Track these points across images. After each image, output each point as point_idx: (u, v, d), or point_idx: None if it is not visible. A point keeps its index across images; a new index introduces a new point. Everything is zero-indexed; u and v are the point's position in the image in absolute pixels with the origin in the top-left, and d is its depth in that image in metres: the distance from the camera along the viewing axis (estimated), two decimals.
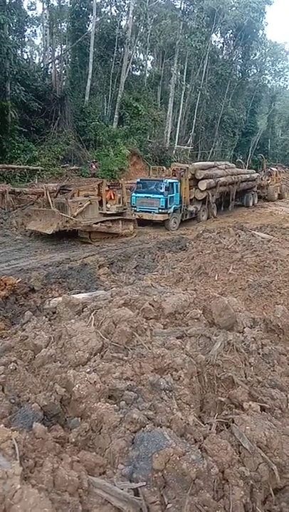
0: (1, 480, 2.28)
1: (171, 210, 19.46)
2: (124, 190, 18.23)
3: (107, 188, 17.14)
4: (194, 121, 45.62)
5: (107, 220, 16.47)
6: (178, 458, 2.78)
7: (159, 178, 20.64)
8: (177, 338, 4.62)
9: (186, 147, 42.57)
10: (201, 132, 47.64)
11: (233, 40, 49.46)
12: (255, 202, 30.05)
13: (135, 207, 19.55)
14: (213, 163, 25.78)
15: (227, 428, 3.55)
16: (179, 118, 43.83)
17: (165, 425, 3.21)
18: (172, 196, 19.44)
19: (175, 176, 21.00)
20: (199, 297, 6.40)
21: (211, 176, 22.39)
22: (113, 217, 16.81)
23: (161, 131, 42.51)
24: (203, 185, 21.55)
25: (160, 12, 45.76)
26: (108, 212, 16.74)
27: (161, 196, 18.81)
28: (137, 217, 19.09)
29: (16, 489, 2.26)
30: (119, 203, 17.62)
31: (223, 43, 52.11)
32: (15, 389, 3.62)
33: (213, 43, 49.10)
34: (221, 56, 50.40)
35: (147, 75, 47.03)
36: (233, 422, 3.55)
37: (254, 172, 30.47)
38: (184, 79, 44.05)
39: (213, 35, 47.14)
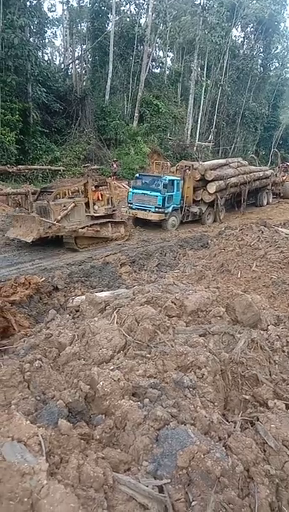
0: (28, 475, 2.33)
1: (170, 209, 17.99)
2: (112, 190, 16.81)
3: (94, 188, 15.50)
4: (215, 117, 45.25)
5: (95, 224, 14.93)
6: (202, 455, 2.77)
7: (158, 174, 19.01)
8: (200, 335, 4.61)
9: (207, 143, 42.22)
10: (222, 128, 47.23)
11: (254, 34, 48.83)
12: (270, 201, 28.10)
13: (131, 203, 18.16)
14: (224, 160, 24.06)
15: (252, 426, 3.52)
16: (200, 114, 43.58)
17: (189, 423, 3.21)
18: (172, 195, 17.91)
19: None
20: (222, 295, 6.35)
21: (221, 176, 20.73)
22: (102, 220, 15.31)
23: (182, 128, 42.35)
24: (212, 187, 19.99)
25: (179, 8, 45.53)
26: (96, 215, 15.14)
27: (159, 194, 17.30)
28: (132, 215, 18.09)
29: (43, 485, 2.30)
30: (108, 204, 16.12)
31: (243, 38, 51.61)
32: (40, 386, 3.68)
33: (234, 38, 48.65)
34: (241, 51, 49.86)
35: (167, 72, 46.91)
36: (257, 420, 3.52)
37: (268, 169, 28.39)
38: (205, 75, 43.77)
39: (234, 29, 46.72)
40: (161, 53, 48.86)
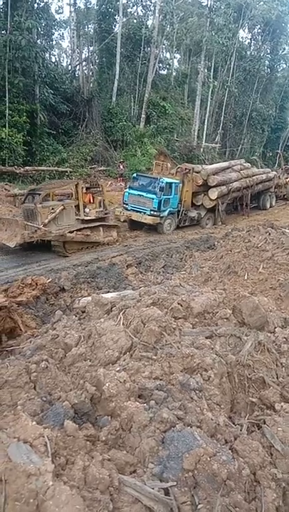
0: (33, 476, 2.33)
1: (165, 213, 17.32)
2: (105, 192, 16.11)
3: (85, 191, 14.84)
4: (222, 118, 45.09)
5: (85, 228, 14.20)
6: (208, 458, 2.76)
7: (155, 176, 18.29)
8: (206, 337, 4.59)
9: (214, 145, 42.13)
10: (229, 129, 47.07)
11: (261, 36, 48.57)
12: (273, 204, 27.28)
13: (127, 204, 17.54)
14: (227, 163, 23.36)
15: (258, 429, 3.50)
16: (207, 116, 43.49)
17: (195, 425, 3.20)
18: (169, 198, 17.27)
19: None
20: (229, 297, 6.33)
21: (224, 182, 20.16)
22: (92, 224, 14.63)
23: (189, 129, 42.31)
24: (213, 193, 19.41)
25: (186, 10, 45.57)
26: (87, 218, 14.48)
27: (155, 197, 16.68)
28: (126, 216, 17.62)
29: (49, 486, 2.30)
30: (100, 206, 15.37)
31: (250, 39, 51.33)
32: (46, 387, 3.68)
33: (241, 39, 48.42)
34: (248, 52, 49.64)
35: (174, 73, 46.94)
36: (264, 423, 3.50)
37: (270, 171, 27.63)
38: (212, 76, 43.70)
39: (241, 31, 46.42)
40: (168, 55, 49.00)
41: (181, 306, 5.23)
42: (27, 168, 25.50)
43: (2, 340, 6.46)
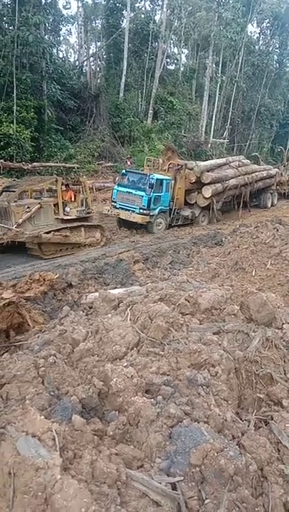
0: (42, 470, 2.35)
1: (156, 212, 16.45)
2: (87, 189, 14.90)
3: (64, 188, 13.94)
4: (230, 113, 44.85)
5: (64, 228, 13.09)
6: (216, 454, 2.76)
7: (145, 172, 17.30)
8: (214, 333, 4.59)
9: (222, 140, 41.95)
10: (237, 125, 46.83)
11: (270, 30, 48.22)
12: (275, 202, 26.26)
13: (115, 202, 16.70)
14: (224, 160, 22.28)
15: (266, 425, 3.50)
16: (215, 111, 43.27)
17: (202, 421, 3.20)
18: (159, 196, 16.43)
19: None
20: (236, 293, 6.33)
21: (219, 179, 19.18)
22: (73, 224, 13.54)
23: (196, 124, 42.13)
24: (207, 191, 18.45)
25: (194, 4, 45.17)
26: (67, 218, 13.42)
27: (144, 194, 15.81)
28: (114, 214, 16.84)
29: (57, 479, 2.32)
30: (82, 205, 14.29)
31: (259, 33, 51.09)
32: (54, 382, 3.70)
33: (249, 34, 48.09)
34: (257, 47, 49.32)
35: (182, 68, 46.72)
36: (272, 419, 3.50)
37: (272, 168, 26.56)
38: (220, 71, 43.39)
39: (249, 25, 46.06)
40: (175, 50, 48.75)
41: (189, 302, 5.22)
42: (34, 164, 25.52)
43: (10, 335, 6.50)
